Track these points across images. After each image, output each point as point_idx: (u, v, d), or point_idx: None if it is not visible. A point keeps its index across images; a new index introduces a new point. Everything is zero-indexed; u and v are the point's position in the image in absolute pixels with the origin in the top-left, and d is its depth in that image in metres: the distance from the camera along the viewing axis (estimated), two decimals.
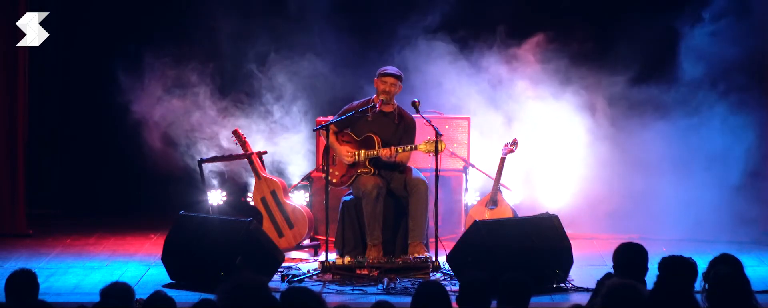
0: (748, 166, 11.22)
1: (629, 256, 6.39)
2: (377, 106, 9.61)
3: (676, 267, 6.17)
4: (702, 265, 6.37)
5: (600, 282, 6.50)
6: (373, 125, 9.68)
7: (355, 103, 9.79)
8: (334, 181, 9.74)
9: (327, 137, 9.53)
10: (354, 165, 9.70)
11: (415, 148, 9.46)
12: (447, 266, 9.12)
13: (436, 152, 9.17)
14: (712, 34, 11.15)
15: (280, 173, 11.32)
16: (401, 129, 9.72)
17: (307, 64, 11.52)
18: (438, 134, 9.19)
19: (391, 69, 9.68)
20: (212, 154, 11.07)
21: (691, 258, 6.26)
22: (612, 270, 6.59)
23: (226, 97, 11.70)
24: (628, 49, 11.44)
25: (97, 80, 11.66)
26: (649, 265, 6.41)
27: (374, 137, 9.64)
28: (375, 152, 9.61)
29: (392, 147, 9.51)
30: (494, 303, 6.15)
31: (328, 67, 11.46)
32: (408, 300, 8.22)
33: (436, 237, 9.19)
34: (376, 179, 9.62)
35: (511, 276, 6.13)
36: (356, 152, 9.65)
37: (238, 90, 11.70)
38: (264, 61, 11.56)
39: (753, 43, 11.32)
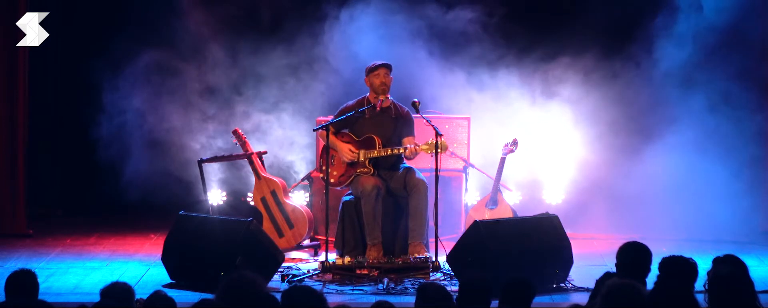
0: (749, 165, 11.22)
1: (633, 255, 6.37)
2: (378, 105, 9.62)
3: (676, 267, 6.16)
4: (703, 265, 6.37)
5: (599, 282, 6.51)
6: (373, 123, 9.69)
7: (350, 103, 9.80)
8: (332, 181, 9.74)
9: (327, 137, 9.52)
10: (353, 165, 9.70)
11: (419, 149, 9.46)
12: (447, 266, 9.12)
13: (436, 152, 9.19)
14: (716, 32, 11.15)
15: (280, 173, 11.32)
16: (400, 124, 9.74)
17: (306, 63, 11.51)
18: (438, 134, 9.20)
19: (379, 61, 9.71)
20: (212, 154, 11.06)
21: (691, 258, 6.25)
22: (610, 270, 6.59)
23: (226, 97, 11.70)
24: (629, 48, 11.43)
25: (97, 80, 11.65)
26: (650, 265, 6.41)
27: (375, 138, 9.65)
28: (375, 152, 9.62)
29: (416, 146, 9.48)
30: (494, 303, 6.15)
31: (329, 66, 11.45)
32: (408, 300, 8.27)
33: (436, 237, 9.19)
34: (375, 180, 9.62)
35: (514, 277, 6.12)
36: (357, 152, 9.67)
37: (237, 90, 11.69)
38: (264, 61, 11.55)
39: (755, 40, 11.33)
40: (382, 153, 9.61)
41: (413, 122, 9.81)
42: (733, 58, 11.25)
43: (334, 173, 9.77)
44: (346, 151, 9.69)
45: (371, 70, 9.69)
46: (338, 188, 9.85)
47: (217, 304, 5.40)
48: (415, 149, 9.50)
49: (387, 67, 9.68)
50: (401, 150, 9.56)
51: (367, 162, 9.66)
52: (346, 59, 11.17)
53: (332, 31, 11.20)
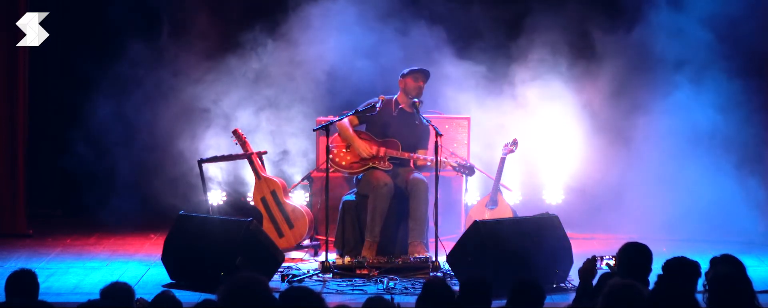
0: (749, 166, 11.22)
1: (634, 255, 6.38)
2: (408, 102, 9.71)
3: (680, 269, 6.16)
4: (703, 265, 6.37)
5: (599, 281, 6.51)
6: (397, 125, 9.76)
7: (375, 99, 9.89)
8: (344, 164, 9.77)
9: (327, 136, 9.55)
10: (371, 157, 9.77)
11: (448, 164, 9.53)
12: (447, 266, 9.12)
13: (436, 152, 9.21)
14: (715, 29, 11.15)
15: (280, 173, 11.32)
16: (420, 133, 9.87)
17: (307, 62, 11.51)
18: (438, 134, 9.23)
19: (421, 67, 9.83)
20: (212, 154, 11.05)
21: (694, 260, 6.26)
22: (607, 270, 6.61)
23: (226, 96, 11.69)
24: (630, 46, 11.43)
25: (96, 80, 11.66)
26: (651, 265, 6.41)
27: (397, 143, 9.77)
28: (396, 153, 9.71)
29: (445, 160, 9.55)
30: (495, 303, 6.14)
31: (330, 66, 11.44)
32: (408, 299, 8.27)
33: (436, 237, 9.20)
34: (388, 177, 9.69)
35: (524, 279, 6.05)
36: (377, 147, 9.72)
37: (237, 90, 11.68)
38: (264, 60, 11.55)
39: (755, 39, 11.33)
40: (404, 156, 9.69)
41: (429, 136, 9.85)
42: (734, 55, 11.25)
43: (348, 157, 9.82)
44: (364, 147, 9.74)
45: (411, 73, 9.81)
46: (347, 173, 9.88)
47: (220, 304, 5.39)
48: (442, 164, 9.50)
49: (426, 74, 9.81)
50: (426, 160, 9.60)
51: (386, 158, 9.72)
52: (346, 59, 11.17)
53: (331, 30, 11.21)
